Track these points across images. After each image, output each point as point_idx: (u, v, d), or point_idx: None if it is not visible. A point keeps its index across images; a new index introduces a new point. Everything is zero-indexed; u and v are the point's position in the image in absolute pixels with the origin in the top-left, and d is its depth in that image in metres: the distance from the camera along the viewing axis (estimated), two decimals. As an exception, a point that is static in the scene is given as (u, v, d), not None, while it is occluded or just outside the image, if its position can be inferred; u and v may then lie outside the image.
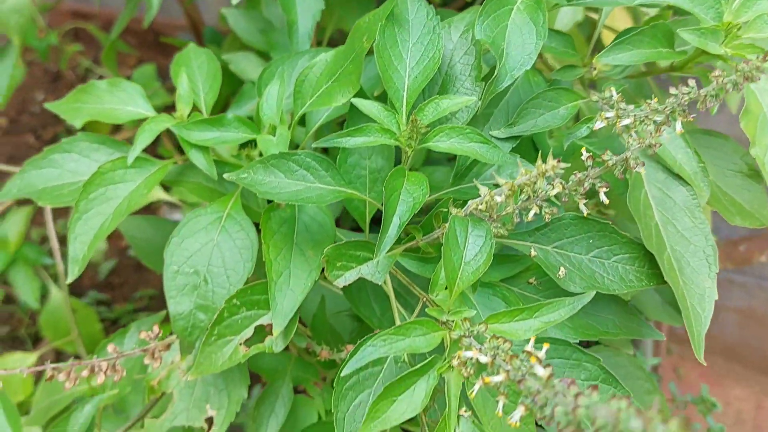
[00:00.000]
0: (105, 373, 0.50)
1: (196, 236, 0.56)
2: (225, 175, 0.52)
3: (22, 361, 1.01)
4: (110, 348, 0.52)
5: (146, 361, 0.53)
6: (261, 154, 0.64)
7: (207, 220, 0.57)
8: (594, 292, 0.47)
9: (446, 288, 0.46)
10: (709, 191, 0.55)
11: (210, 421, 0.59)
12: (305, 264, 0.54)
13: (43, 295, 1.29)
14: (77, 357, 1.29)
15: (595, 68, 0.58)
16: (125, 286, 1.54)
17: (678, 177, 0.54)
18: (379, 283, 0.47)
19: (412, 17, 0.52)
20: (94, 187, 0.57)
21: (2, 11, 0.90)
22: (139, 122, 0.63)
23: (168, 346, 0.54)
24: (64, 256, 1.42)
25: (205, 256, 0.56)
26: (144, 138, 0.58)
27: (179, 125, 0.58)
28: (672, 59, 0.55)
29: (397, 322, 0.55)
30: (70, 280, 0.55)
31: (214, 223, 0.57)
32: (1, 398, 0.64)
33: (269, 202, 0.57)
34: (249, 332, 0.53)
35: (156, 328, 0.54)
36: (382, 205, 0.49)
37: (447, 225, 0.45)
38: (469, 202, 0.46)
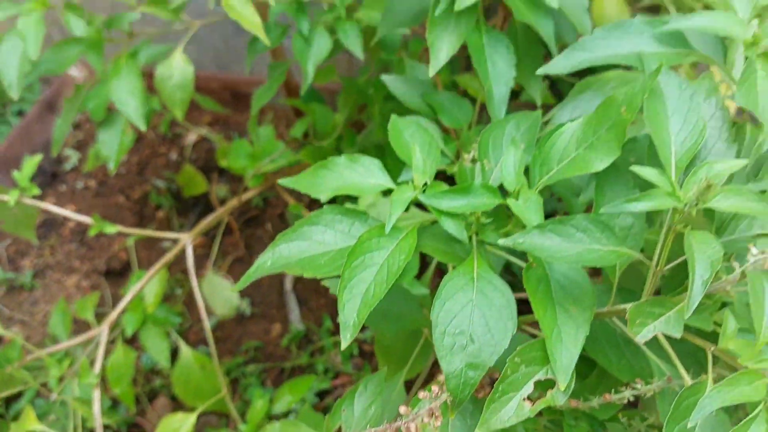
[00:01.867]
0: (414, 432, 0.54)
1: (455, 298, 0.61)
2: (501, 241, 0.57)
3: (184, 421, 1.04)
4: (402, 410, 0.55)
5: (426, 419, 0.57)
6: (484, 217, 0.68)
7: (461, 282, 0.61)
8: None
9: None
10: None
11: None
12: (571, 321, 0.58)
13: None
14: (226, 418, 1.32)
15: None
16: (229, 340, 1.57)
17: None
18: (677, 336, 0.51)
19: (665, 88, 0.57)
20: (355, 257, 0.62)
21: (170, 87, 0.96)
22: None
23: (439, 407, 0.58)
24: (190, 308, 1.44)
25: (466, 316, 0.60)
26: (398, 208, 0.63)
27: (430, 195, 0.63)
28: None
29: (668, 372, 0.59)
30: (344, 345, 0.59)
31: (468, 284, 0.61)
32: None
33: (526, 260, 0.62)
34: (529, 388, 0.57)
35: (435, 388, 0.58)
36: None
37: (747, 280, 0.49)
38: (751, 259, 0.51)
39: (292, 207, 1.16)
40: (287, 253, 0.65)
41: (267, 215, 1.79)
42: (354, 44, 0.98)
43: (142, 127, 0.96)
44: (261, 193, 1.57)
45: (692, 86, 0.57)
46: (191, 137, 1.92)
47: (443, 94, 0.90)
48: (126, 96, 0.94)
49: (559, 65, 0.63)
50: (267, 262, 0.65)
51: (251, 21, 0.91)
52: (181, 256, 1.63)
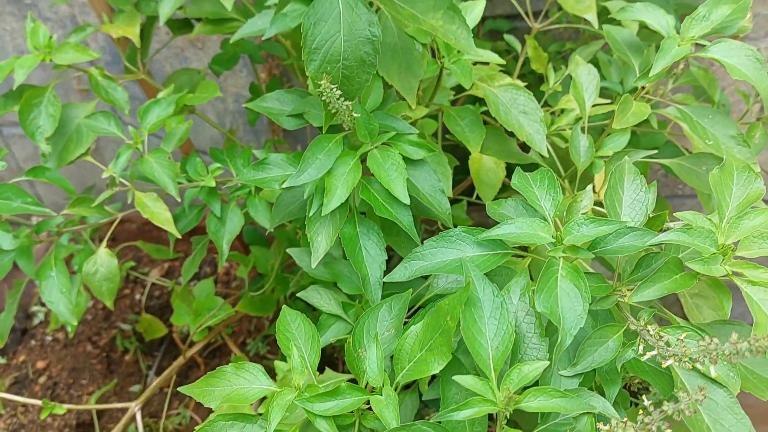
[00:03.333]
0: None
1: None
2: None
3: None
4: None
5: None
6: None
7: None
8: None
9: None
10: (740, 380, 0.68)
11: None
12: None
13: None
14: None
15: (625, 295, 0.72)
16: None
17: (714, 381, 0.67)
18: None
19: (482, 296, 0.66)
20: (243, 466, 0.70)
21: (96, 281, 1.05)
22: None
23: None
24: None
25: None
26: (277, 414, 0.71)
27: (304, 399, 0.71)
28: (687, 285, 0.69)
29: None
30: None
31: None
32: None
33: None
34: None
35: None
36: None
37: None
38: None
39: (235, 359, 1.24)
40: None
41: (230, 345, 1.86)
42: (262, 218, 1.08)
43: (74, 322, 1.04)
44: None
45: (505, 291, 0.67)
46: (153, 276, 2.01)
47: (342, 263, 1.00)
48: (56, 296, 1.03)
49: (399, 274, 0.72)
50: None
51: (162, 218, 1.02)
52: (154, 396, 1.71)
